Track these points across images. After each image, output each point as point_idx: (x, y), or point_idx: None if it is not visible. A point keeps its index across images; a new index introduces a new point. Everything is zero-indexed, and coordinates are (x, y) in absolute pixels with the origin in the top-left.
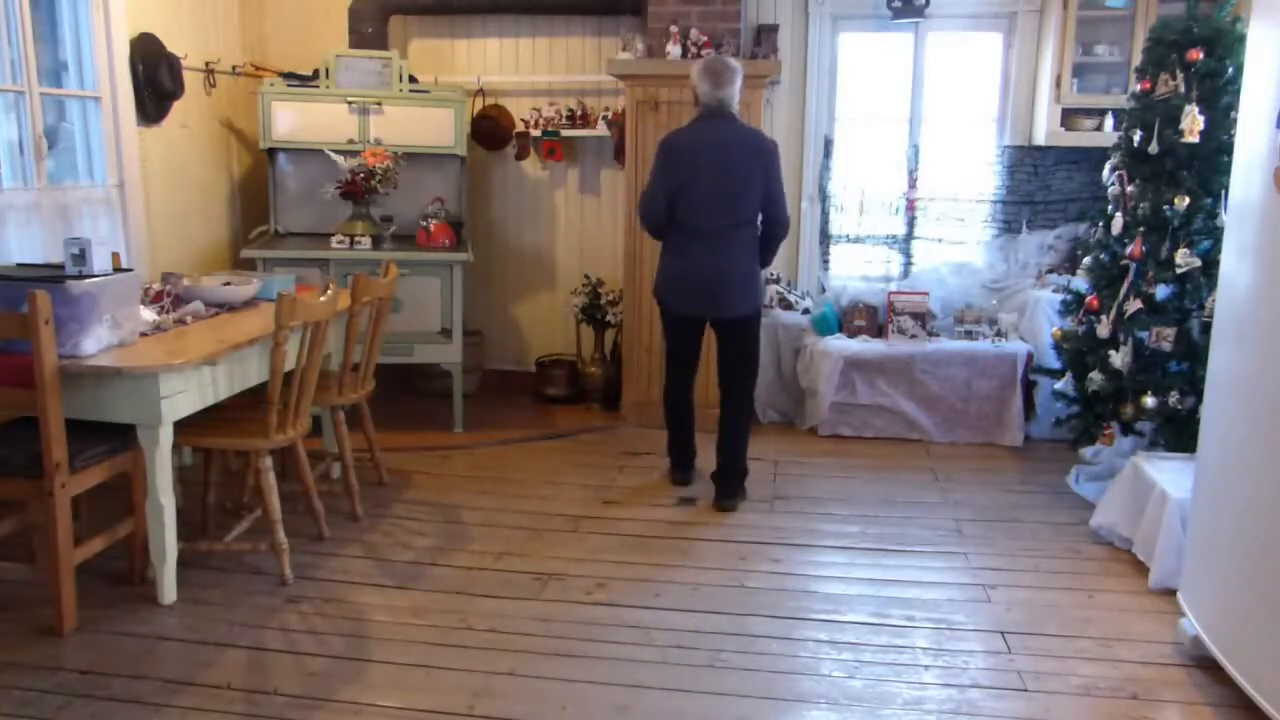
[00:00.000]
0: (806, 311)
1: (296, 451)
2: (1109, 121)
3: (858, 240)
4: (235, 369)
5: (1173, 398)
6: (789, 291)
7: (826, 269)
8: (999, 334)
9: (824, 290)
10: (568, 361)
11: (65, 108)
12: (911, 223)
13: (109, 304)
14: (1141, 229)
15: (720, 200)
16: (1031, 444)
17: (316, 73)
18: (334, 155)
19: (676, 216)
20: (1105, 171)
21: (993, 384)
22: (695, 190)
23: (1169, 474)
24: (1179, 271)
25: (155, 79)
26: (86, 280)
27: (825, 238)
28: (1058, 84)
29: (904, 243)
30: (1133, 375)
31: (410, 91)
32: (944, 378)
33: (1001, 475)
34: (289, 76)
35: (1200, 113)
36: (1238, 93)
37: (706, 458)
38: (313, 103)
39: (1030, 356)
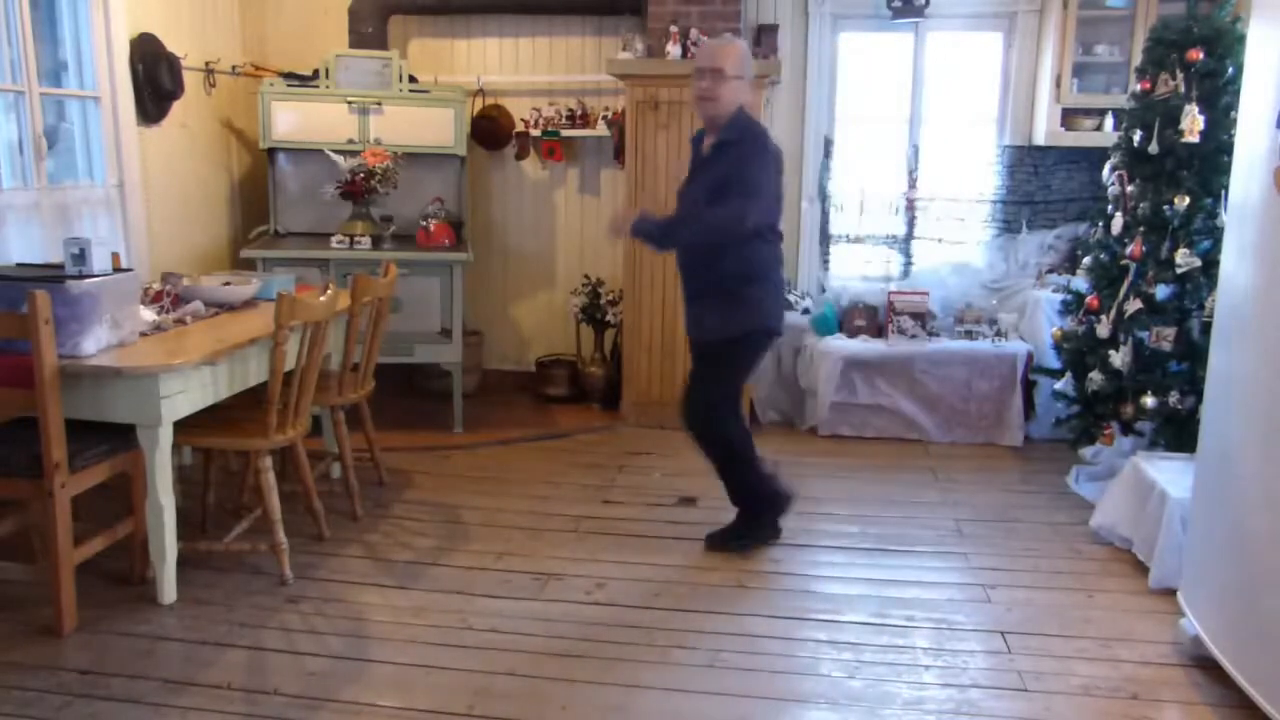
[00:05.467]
0: (806, 311)
1: (296, 451)
2: (1109, 121)
3: (858, 240)
4: (235, 369)
5: (1173, 398)
6: (789, 291)
7: (826, 269)
8: (999, 334)
9: (824, 290)
10: (568, 361)
11: (65, 108)
12: (911, 223)
13: (109, 304)
14: (1141, 229)
15: None
16: (1031, 444)
17: (316, 73)
18: (334, 155)
19: None
20: (1105, 171)
21: (993, 384)
22: None
23: (1169, 474)
24: (1179, 271)
25: (155, 79)
26: (86, 280)
27: (825, 238)
28: (1058, 84)
29: (904, 243)
30: (1133, 375)
31: (410, 91)
32: (944, 378)
33: (1001, 475)
34: (289, 76)
35: (1200, 113)
36: (1238, 93)
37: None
38: (313, 103)
39: (1030, 356)
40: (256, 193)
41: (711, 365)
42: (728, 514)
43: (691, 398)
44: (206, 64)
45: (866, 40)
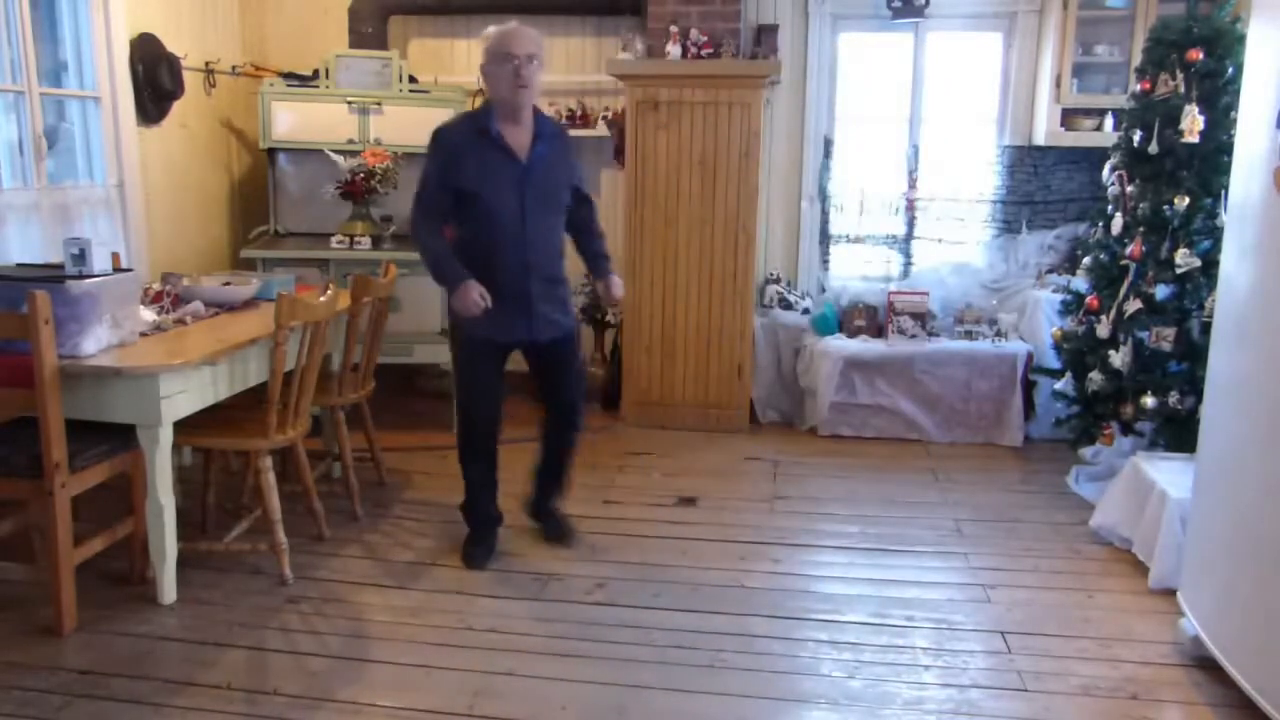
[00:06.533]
0: (806, 311)
1: (296, 451)
2: (1109, 121)
3: (858, 240)
4: (235, 369)
5: (1173, 398)
6: (789, 291)
7: (826, 269)
8: (999, 334)
9: (824, 290)
10: None
11: (65, 108)
12: (911, 223)
13: (109, 304)
14: (1141, 229)
15: None
16: (1031, 444)
17: (316, 73)
18: (334, 155)
19: None
20: (1105, 171)
21: (993, 384)
22: None
23: (1169, 474)
24: (1179, 271)
25: (155, 79)
26: (86, 280)
27: (825, 238)
28: (1058, 84)
29: (904, 243)
30: (1133, 375)
31: (410, 91)
32: (944, 378)
33: (1001, 475)
34: (289, 76)
35: (1200, 113)
36: (1238, 93)
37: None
38: (313, 103)
39: (1030, 356)
40: (256, 193)
41: (575, 356)
42: (728, 514)
43: (578, 395)
44: (206, 64)
45: (866, 40)
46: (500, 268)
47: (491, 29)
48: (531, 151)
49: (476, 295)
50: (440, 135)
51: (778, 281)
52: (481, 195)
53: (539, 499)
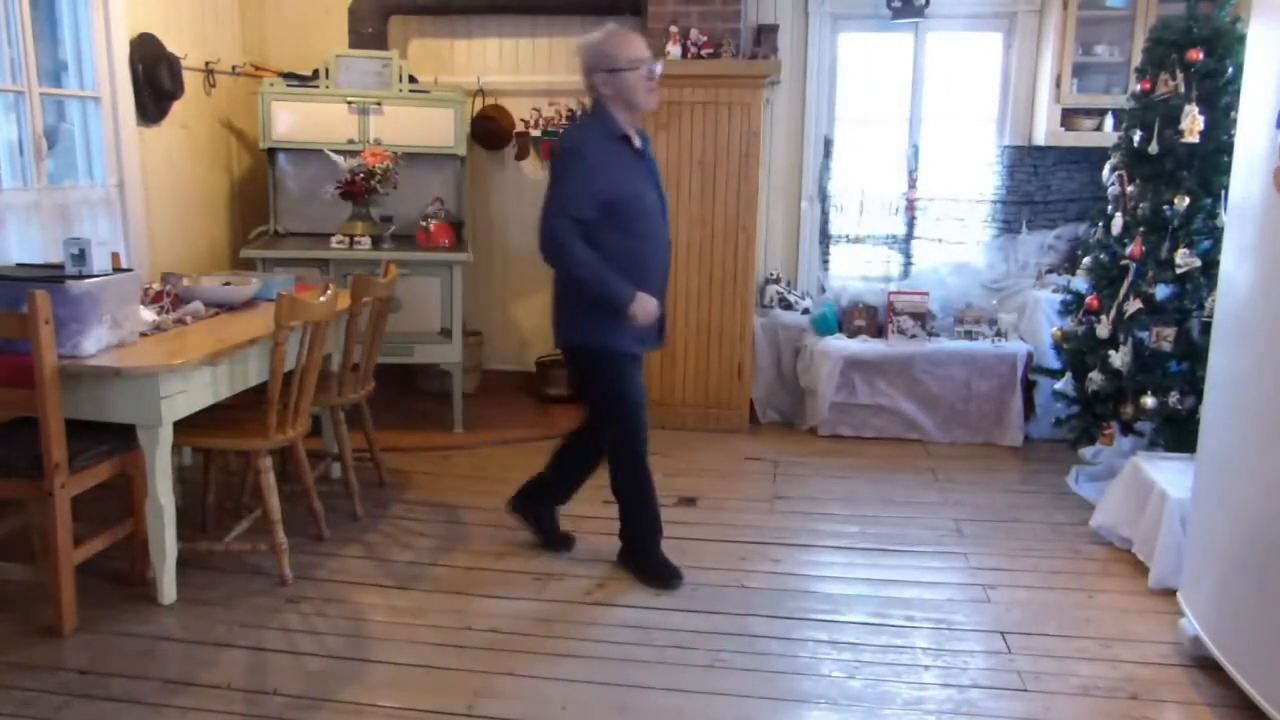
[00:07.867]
0: (806, 311)
1: (296, 451)
2: (1109, 121)
3: (858, 240)
4: (235, 369)
5: (1173, 398)
6: (789, 291)
7: (826, 269)
8: (999, 334)
9: (824, 290)
10: None
11: (65, 108)
12: (911, 223)
13: (109, 304)
14: (1141, 229)
15: None
16: (1031, 444)
17: (316, 73)
18: (334, 155)
19: None
20: (1105, 171)
21: (993, 384)
22: None
23: (1169, 474)
24: (1179, 271)
25: (155, 79)
26: (86, 280)
27: (825, 238)
28: (1058, 84)
29: (904, 243)
30: (1133, 375)
31: (410, 91)
32: (944, 378)
33: (1001, 475)
34: (289, 76)
35: (1200, 113)
36: (1238, 93)
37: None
38: (313, 103)
39: (1030, 356)
40: (256, 193)
41: None
42: (728, 514)
43: None
44: (206, 64)
45: (866, 40)
46: (653, 272)
47: (598, 35)
48: (646, 152)
49: (653, 305)
50: (580, 145)
51: (778, 281)
52: (640, 198)
53: (549, 502)
